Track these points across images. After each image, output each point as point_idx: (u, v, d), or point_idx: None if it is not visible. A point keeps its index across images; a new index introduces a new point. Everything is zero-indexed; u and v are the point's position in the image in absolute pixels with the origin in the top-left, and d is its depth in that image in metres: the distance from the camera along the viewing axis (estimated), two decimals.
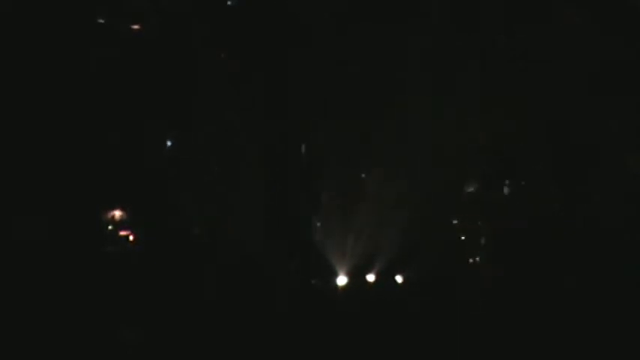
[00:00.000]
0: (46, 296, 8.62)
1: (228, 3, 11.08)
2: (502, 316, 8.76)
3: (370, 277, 11.23)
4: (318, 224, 11.34)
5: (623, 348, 7.57)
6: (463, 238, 11.35)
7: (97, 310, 8.49)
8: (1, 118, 10.05)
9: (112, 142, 10.42)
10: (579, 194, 10.84)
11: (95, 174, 10.09)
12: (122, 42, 10.67)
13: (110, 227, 10.24)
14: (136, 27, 10.99)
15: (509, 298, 9.27)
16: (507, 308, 8.94)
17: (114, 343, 7.82)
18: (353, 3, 11.19)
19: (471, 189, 11.49)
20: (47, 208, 9.74)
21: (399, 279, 11.19)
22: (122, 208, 10.28)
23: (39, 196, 9.83)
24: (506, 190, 11.23)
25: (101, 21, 10.75)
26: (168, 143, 10.50)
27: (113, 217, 10.24)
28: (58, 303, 8.60)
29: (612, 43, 10.99)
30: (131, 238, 10.23)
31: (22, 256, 9.09)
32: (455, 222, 11.45)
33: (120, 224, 10.25)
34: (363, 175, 11.85)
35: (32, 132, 10.18)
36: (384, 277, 11.17)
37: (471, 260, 11.01)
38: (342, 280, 11.09)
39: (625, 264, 8.77)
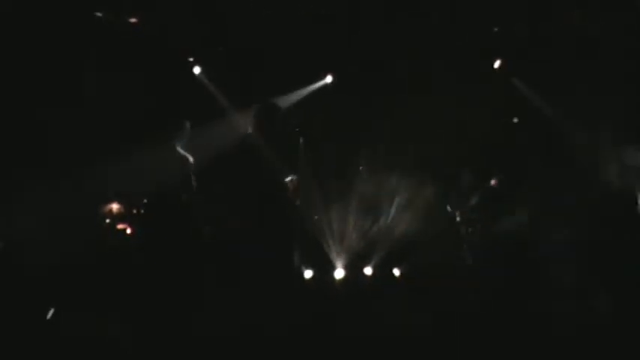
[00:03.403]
0: (40, 289, 8.65)
1: None
2: (498, 313, 8.73)
3: (367, 271, 11.25)
4: (316, 217, 11.37)
5: (622, 347, 7.52)
6: (461, 232, 11.37)
7: (90, 304, 8.50)
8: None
9: (109, 135, 10.49)
10: (574, 191, 10.91)
11: (92, 167, 10.11)
12: (120, 36, 10.72)
13: (107, 220, 10.23)
14: (133, 21, 11.03)
15: (505, 293, 9.25)
16: (504, 304, 8.91)
17: (106, 340, 7.82)
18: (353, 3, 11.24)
19: (468, 184, 11.52)
20: (43, 201, 9.77)
21: (396, 272, 11.21)
22: (119, 202, 10.27)
23: (35, 189, 9.87)
24: (503, 186, 11.25)
25: (99, 14, 10.78)
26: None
27: (110, 210, 10.23)
28: (52, 296, 8.63)
29: (612, 42, 11.03)
30: (128, 231, 10.22)
31: (16, 247, 9.12)
32: (452, 216, 11.47)
33: (117, 218, 10.24)
34: (361, 168, 11.92)
35: (28, 124, 10.26)
36: (382, 271, 11.19)
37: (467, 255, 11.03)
38: (339, 274, 11.12)
39: (624, 264, 8.72)
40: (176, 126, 9.78)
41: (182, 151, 9.80)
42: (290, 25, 11.05)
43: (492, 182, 11.23)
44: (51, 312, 8.50)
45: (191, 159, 9.80)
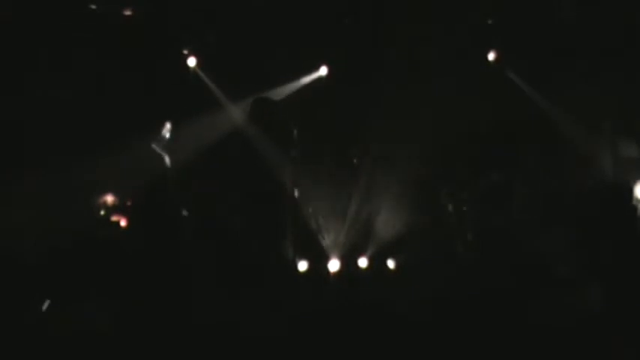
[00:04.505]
0: (34, 282, 8.63)
1: None
2: (494, 305, 8.72)
3: (362, 262, 11.25)
4: (310, 210, 11.38)
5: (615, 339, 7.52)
6: (455, 224, 11.38)
7: (83, 297, 8.48)
8: None
9: (103, 128, 10.48)
10: (569, 184, 10.96)
11: (87, 160, 10.11)
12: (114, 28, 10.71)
13: (102, 212, 10.23)
14: (127, 13, 11.01)
15: (500, 286, 9.26)
16: (499, 297, 8.91)
17: (100, 332, 7.81)
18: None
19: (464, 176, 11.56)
20: (38, 194, 9.77)
21: (391, 264, 11.21)
22: (114, 194, 10.27)
23: (30, 181, 9.87)
24: (498, 179, 11.26)
25: (93, 7, 10.76)
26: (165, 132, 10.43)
27: (105, 202, 10.23)
28: (46, 289, 8.61)
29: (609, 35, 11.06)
30: (123, 223, 10.21)
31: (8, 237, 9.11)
32: (446, 208, 11.49)
33: (112, 209, 10.24)
34: (355, 160, 11.92)
35: (23, 117, 10.26)
36: (377, 263, 11.18)
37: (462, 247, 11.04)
38: (333, 265, 11.11)
39: (620, 257, 8.71)
40: (155, 126, 9.86)
41: (159, 151, 9.85)
42: (285, 15, 11.07)
43: (487, 175, 11.25)
44: (46, 304, 8.48)
45: (167, 159, 9.84)
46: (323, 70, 11.99)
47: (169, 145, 10.08)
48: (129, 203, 10.22)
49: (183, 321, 8.18)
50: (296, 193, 10.89)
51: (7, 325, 7.58)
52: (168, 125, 10.07)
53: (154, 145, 9.92)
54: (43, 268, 8.89)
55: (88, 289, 8.60)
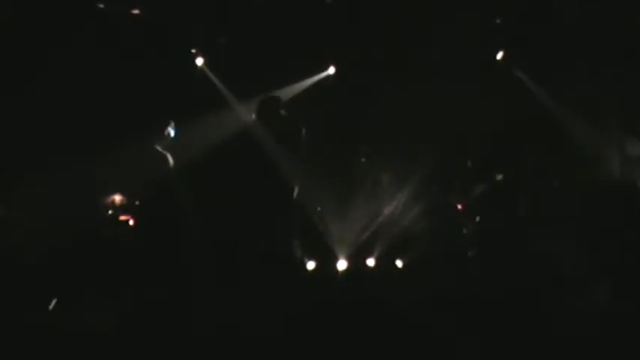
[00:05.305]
0: (42, 282, 8.67)
1: None
2: (500, 304, 8.70)
3: (370, 262, 11.24)
4: (318, 209, 11.37)
5: (622, 338, 7.47)
6: (463, 224, 11.34)
7: (90, 296, 8.51)
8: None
9: (110, 127, 10.50)
10: (576, 183, 10.91)
11: (95, 160, 10.13)
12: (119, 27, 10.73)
13: (110, 211, 10.25)
14: (135, 12, 11.04)
15: (506, 285, 9.23)
16: (506, 296, 8.88)
17: (106, 332, 7.82)
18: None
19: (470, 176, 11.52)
20: (37, 192, 9.81)
21: (399, 263, 11.19)
22: (122, 193, 10.29)
23: (37, 179, 9.91)
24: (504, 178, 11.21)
25: (101, 6, 10.79)
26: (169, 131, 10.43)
27: (113, 201, 10.26)
28: (53, 289, 8.65)
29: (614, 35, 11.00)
30: (131, 222, 10.23)
31: (17, 238, 9.14)
32: (454, 207, 11.45)
33: (120, 209, 10.26)
34: (363, 160, 11.92)
35: (30, 116, 10.30)
36: (385, 262, 11.17)
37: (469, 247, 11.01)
38: (341, 265, 11.10)
39: (626, 256, 8.66)
40: (159, 126, 9.87)
41: (162, 151, 9.88)
42: (285, 15, 11.07)
43: (494, 175, 11.20)
44: (53, 303, 8.52)
45: (170, 158, 9.86)
46: (331, 70, 12.00)
47: (173, 145, 10.07)
48: (136, 203, 10.24)
49: (184, 321, 8.19)
50: (303, 193, 10.89)
51: (7, 325, 7.61)
52: (172, 124, 10.06)
53: (157, 145, 9.92)
54: (43, 268, 8.93)
55: (89, 289, 8.64)
